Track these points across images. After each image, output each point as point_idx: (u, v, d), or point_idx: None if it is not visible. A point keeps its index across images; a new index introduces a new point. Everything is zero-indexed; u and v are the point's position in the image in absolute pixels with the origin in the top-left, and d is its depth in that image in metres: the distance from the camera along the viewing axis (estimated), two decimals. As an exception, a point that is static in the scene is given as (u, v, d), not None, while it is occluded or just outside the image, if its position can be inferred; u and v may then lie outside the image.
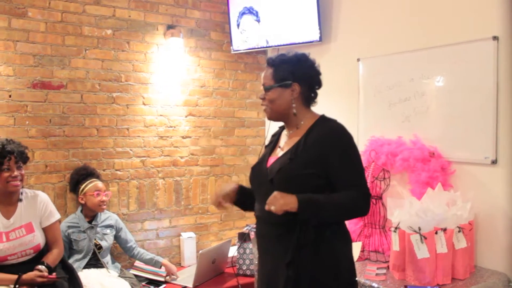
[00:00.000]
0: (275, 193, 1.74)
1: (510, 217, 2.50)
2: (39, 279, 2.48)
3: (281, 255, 1.82)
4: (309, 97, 1.95)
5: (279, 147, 2.00)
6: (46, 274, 2.51)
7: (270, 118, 1.99)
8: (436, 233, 2.33)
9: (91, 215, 3.19)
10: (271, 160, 1.95)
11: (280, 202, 1.71)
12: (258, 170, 2.00)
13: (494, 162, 2.56)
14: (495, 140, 2.55)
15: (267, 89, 1.92)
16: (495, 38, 2.54)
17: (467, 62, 2.68)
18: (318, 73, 1.95)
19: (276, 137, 2.10)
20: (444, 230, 2.35)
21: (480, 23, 2.62)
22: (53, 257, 2.66)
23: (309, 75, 1.92)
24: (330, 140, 1.81)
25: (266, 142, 2.21)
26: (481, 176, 2.63)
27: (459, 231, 2.39)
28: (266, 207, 1.73)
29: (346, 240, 1.92)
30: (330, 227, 1.82)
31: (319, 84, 1.96)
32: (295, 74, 1.89)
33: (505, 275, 2.47)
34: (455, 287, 2.32)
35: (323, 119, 1.92)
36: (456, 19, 2.75)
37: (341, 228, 1.90)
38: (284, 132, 2.03)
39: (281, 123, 2.06)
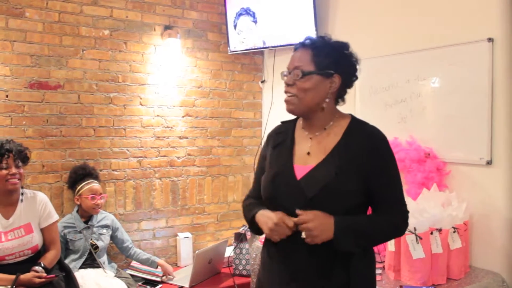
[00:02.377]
0: (310, 222, 1.47)
1: (505, 217, 2.52)
2: (37, 280, 2.48)
3: (320, 274, 1.55)
4: (342, 94, 1.66)
5: (308, 153, 1.64)
6: (43, 274, 2.51)
7: (293, 111, 1.64)
8: (431, 233, 2.34)
9: (87, 215, 3.19)
10: (300, 170, 1.60)
11: (314, 233, 1.46)
12: (284, 183, 1.60)
13: (489, 162, 2.58)
14: (490, 141, 2.57)
15: (305, 74, 1.57)
16: (490, 39, 2.56)
17: (462, 64, 2.70)
18: (357, 68, 1.66)
19: (285, 136, 1.73)
20: (439, 230, 2.36)
21: (476, 25, 2.64)
22: (50, 258, 2.66)
23: (353, 69, 1.63)
24: (373, 149, 1.55)
25: (266, 142, 1.82)
26: (476, 176, 2.65)
27: (454, 232, 2.41)
28: (305, 238, 1.48)
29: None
30: None
31: (355, 80, 1.67)
32: (340, 64, 1.59)
33: (500, 275, 2.49)
34: (450, 287, 2.33)
35: (357, 121, 1.65)
36: (452, 20, 2.77)
37: None
38: (302, 132, 1.70)
39: (282, 118, 1.79)
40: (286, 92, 1.62)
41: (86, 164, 3.33)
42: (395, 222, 1.60)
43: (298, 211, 1.50)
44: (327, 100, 1.60)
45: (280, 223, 1.52)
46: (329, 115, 1.64)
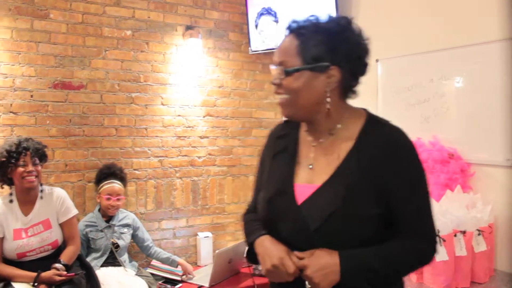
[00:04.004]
0: (308, 268, 1.17)
1: (531, 220, 2.46)
2: (57, 278, 2.51)
3: None
4: (349, 87, 1.28)
5: (310, 166, 1.30)
6: (64, 272, 2.55)
7: (289, 116, 1.31)
8: (455, 235, 2.30)
9: (108, 214, 3.22)
10: (302, 190, 1.27)
11: (315, 281, 1.17)
12: (282, 208, 1.28)
13: (515, 164, 2.52)
14: (517, 142, 2.51)
15: (288, 72, 1.23)
16: (516, 38, 2.50)
17: (486, 63, 2.64)
18: (367, 50, 1.27)
19: (288, 142, 1.39)
20: (464, 232, 2.31)
21: (498, 24, 2.58)
22: (69, 254, 2.70)
23: (357, 54, 1.24)
24: (391, 158, 1.20)
25: (266, 143, 1.51)
26: (501, 178, 2.59)
27: (478, 234, 2.36)
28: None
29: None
30: None
31: (366, 67, 1.28)
32: (336, 52, 1.21)
33: (526, 279, 2.43)
34: (474, 291, 2.29)
35: (373, 121, 1.28)
36: (476, 20, 2.71)
37: None
38: (305, 138, 1.36)
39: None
40: (275, 93, 1.29)
41: (114, 164, 3.36)
42: (419, 252, 1.24)
43: (296, 253, 1.21)
44: (328, 99, 1.24)
45: (279, 265, 1.20)
46: (336, 115, 1.28)
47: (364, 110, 1.33)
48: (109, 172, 3.28)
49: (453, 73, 2.82)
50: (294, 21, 1.27)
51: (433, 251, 1.26)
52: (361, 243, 1.19)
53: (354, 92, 1.31)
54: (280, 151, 1.38)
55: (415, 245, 1.22)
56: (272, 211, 1.30)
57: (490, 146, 2.63)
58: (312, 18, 1.27)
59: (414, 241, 1.22)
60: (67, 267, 2.61)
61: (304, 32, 1.23)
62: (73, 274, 2.59)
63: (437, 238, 1.35)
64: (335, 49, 1.21)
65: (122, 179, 3.31)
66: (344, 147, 1.25)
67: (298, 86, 1.23)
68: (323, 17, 1.27)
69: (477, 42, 2.69)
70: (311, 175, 1.28)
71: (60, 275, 2.52)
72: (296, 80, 1.22)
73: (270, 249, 1.24)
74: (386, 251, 1.20)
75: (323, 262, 1.17)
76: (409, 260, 1.24)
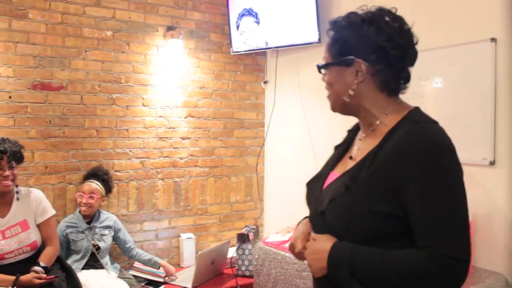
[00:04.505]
0: (308, 248, 1.26)
1: (507, 217, 2.51)
2: (37, 281, 2.49)
3: None
4: (389, 81, 1.27)
5: (351, 156, 1.34)
6: (43, 275, 2.52)
7: (332, 109, 1.37)
8: (434, 234, 2.33)
9: (89, 215, 3.19)
10: (332, 176, 1.34)
11: (308, 263, 1.24)
12: (312, 191, 1.39)
13: (492, 163, 2.57)
14: (493, 141, 2.56)
15: (320, 68, 1.35)
16: (493, 40, 2.55)
17: (465, 64, 2.69)
18: (399, 46, 1.26)
19: (351, 134, 1.46)
20: (442, 231, 2.35)
21: (478, 25, 2.63)
22: (48, 256, 2.67)
23: (381, 47, 1.24)
24: (411, 157, 1.13)
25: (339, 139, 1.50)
26: (479, 177, 2.64)
27: (457, 232, 2.39)
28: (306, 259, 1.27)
29: None
30: None
31: (402, 60, 1.28)
32: (357, 45, 1.26)
33: (503, 275, 2.48)
34: (453, 287, 2.32)
35: (411, 118, 1.23)
36: (455, 21, 2.76)
37: None
38: (360, 132, 1.39)
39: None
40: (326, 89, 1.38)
41: (101, 166, 3.36)
42: (418, 263, 1.10)
43: (312, 235, 1.28)
44: (350, 92, 1.27)
45: (291, 244, 1.34)
46: (376, 110, 1.28)
47: (412, 107, 1.31)
48: (92, 173, 3.28)
49: (432, 74, 2.87)
50: (331, 20, 1.34)
51: (440, 271, 1.08)
52: (370, 242, 1.15)
53: (401, 87, 1.31)
54: (340, 144, 1.46)
55: (415, 254, 1.11)
56: (307, 194, 1.41)
57: (468, 146, 2.68)
58: (346, 15, 1.32)
59: (419, 250, 1.11)
60: (47, 270, 2.58)
61: (333, 30, 1.31)
62: (53, 276, 2.57)
63: (461, 256, 1.11)
64: (356, 43, 1.25)
65: (104, 180, 3.29)
66: (374, 142, 1.25)
67: (330, 80, 1.31)
68: (361, 12, 1.30)
69: (456, 43, 2.73)
70: (347, 166, 1.31)
71: (39, 278, 2.49)
72: (329, 75, 1.31)
73: (296, 229, 1.38)
74: (383, 253, 1.13)
75: (317, 247, 1.21)
76: (400, 268, 1.11)
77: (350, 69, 1.26)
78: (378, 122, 1.28)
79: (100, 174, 3.27)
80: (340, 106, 1.33)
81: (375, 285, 1.12)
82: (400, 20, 1.30)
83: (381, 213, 1.15)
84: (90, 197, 3.15)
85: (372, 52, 1.24)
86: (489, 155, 2.58)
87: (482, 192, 2.61)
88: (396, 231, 1.15)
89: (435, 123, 1.24)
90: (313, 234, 1.28)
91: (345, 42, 1.28)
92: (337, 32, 1.30)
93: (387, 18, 1.28)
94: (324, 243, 1.20)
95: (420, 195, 1.11)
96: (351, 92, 1.27)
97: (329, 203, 1.23)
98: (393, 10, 1.32)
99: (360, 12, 1.30)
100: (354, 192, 1.19)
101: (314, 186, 1.38)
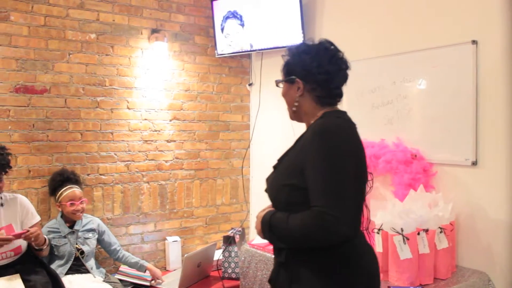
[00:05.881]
0: (260, 211, 1.66)
1: (490, 217, 2.55)
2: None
3: (271, 276, 1.73)
4: (322, 96, 1.65)
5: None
6: (4, 236, 2.46)
7: (290, 118, 1.77)
8: (418, 234, 2.36)
9: (71, 220, 3.15)
10: None
11: (255, 224, 1.66)
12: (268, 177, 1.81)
13: (474, 163, 2.61)
14: (475, 141, 2.60)
15: (277, 82, 1.77)
16: (474, 42, 2.59)
17: (447, 66, 2.73)
18: (326, 71, 1.62)
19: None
20: (426, 231, 2.38)
21: (460, 28, 2.68)
22: None
23: (311, 72, 1.62)
24: (311, 142, 1.52)
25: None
26: (462, 177, 2.68)
27: (440, 232, 2.43)
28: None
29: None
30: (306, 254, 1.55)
31: (329, 82, 1.64)
32: (297, 67, 1.66)
33: (486, 274, 2.52)
34: (437, 287, 2.35)
35: (320, 118, 1.62)
36: (437, 23, 2.80)
37: (328, 259, 1.53)
38: None
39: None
40: None
41: (65, 169, 3.28)
42: (304, 219, 1.45)
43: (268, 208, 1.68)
44: (295, 103, 1.68)
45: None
46: (311, 117, 1.66)
47: (329, 111, 1.65)
48: (63, 179, 3.19)
49: (415, 75, 2.90)
50: (286, 48, 1.74)
51: (314, 223, 1.42)
52: (288, 209, 1.54)
53: (333, 99, 1.68)
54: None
55: (305, 213, 1.45)
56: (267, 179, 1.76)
57: (451, 147, 2.72)
58: (297, 44, 1.73)
59: (309, 210, 1.45)
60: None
61: (289, 53, 1.71)
62: (20, 233, 2.51)
63: (336, 213, 1.41)
64: (296, 65, 1.66)
65: (78, 182, 3.25)
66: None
67: (283, 93, 1.74)
68: (308, 42, 1.71)
69: (438, 45, 2.77)
70: None
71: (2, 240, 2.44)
72: (283, 89, 1.74)
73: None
74: (289, 215, 1.51)
75: (259, 215, 1.64)
76: (295, 224, 1.48)
77: (293, 86, 1.68)
78: (311, 123, 1.64)
79: (72, 177, 3.22)
80: (292, 113, 1.74)
81: (284, 237, 1.55)
82: (333, 51, 1.66)
83: (291, 186, 1.55)
84: (81, 202, 3.14)
85: (306, 75, 1.64)
86: (471, 155, 2.62)
87: (465, 192, 2.66)
88: (306, 199, 1.47)
89: (337, 117, 1.62)
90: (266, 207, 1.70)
91: (290, 65, 1.69)
92: (287, 56, 1.72)
93: (322, 49, 1.65)
94: (261, 213, 1.64)
95: (312, 169, 1.48)
96: (296, 103, 1.68)
97: (266, 181, 1.71)
98: (332, 43, 1.68)
99: (308, 42, 1.70)
100: (277, 171, 1.68)
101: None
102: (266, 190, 1.70)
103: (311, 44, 1.68)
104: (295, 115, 1.73)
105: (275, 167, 1.73)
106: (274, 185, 1.64)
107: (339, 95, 1.69)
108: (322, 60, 1.62)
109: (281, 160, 1.71)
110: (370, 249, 1.68)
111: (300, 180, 1.51)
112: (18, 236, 2.50)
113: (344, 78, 1.69)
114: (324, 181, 1.44)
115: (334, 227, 1.40)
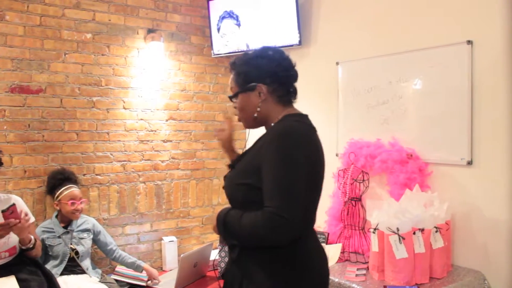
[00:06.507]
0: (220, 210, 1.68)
1: (485, 216, 2.56)
2: None
3: (228, 268, 1.80)
4: (283, 95, 1.69)
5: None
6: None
7: (248, 127, 1.79)
8: (414, 233, 2.37)
9: (67, 220, 3.14)
10: None
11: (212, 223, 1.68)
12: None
13: (469, 163, 2.62)
14: (471, 141, 2.61)
15: (231, 97, 1.74)
16: (469, 42, 2.61)
17: (443, 66, 2.74)
18: (285, 68, 1.68)
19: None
20: (422, 230, 2.39)
21: (455, 28, 2.69)
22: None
23: (273, 72, 1.66)
24: (269, 144, 1.53)
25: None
26: (457, 177, 2.69)
27: (436, 231, 2.44)
28: None
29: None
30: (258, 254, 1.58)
31: (289, 79, 1.70)
32: (257, 73, 1.66)
33: (481, 273, 2.53)
34: (433, 286, 2.36)
35: (280, 120, 1.65)
36: (432, 23, 2.81)
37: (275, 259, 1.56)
38: None
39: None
40: (235, 114, 1.79)
41: (65, 168, 3.29)
42: (254, 219, 1.47)
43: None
44: (258, 109, 1.67)
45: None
46: (273, 119, 1.68)
47: (290, 114, 1.67)
48: (63, 178, 3.20)
49: (411, 75, 2.91)
50: (230, 61, 1.74)
51: (269, 226, 1.43)
52: (243, 207, 1.56)
53: (292, 97, 1.71)
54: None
55: (257, 213, 1.47)
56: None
57: (446, 146, 2.73)
58: (242, 55, 1.72)
59: (261, 210, 1.46)
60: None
61: (236, 66, 1.71)
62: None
63: (285, 214, 1.43)
64: (256, 71, 1.66)
65: (76, 182, 3.26)
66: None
67: (241, 105, 1.71)
68: (250, 52, 1.72)
69: (434, 45, 2.78)
70: None
71: None
72: (240, 101, 1.71)
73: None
74: (243, 214, 1.53)
75: (214, 214, 1.67)
76: (246, 223, 1.50)
77: (254, 93, 1.66)
78: (272, 125, 1.65)
79: (72, 177, 3.23)
80: (252, 122, 1.72)
81: (237, 235, 1.57)
82: (280, 52, 1.71)
83: (247, 185, 1.57)
84: (81, 202, 3.14)
85: (268, 77, 1.65)
86: (466, 155, 2.63)
87: (460, 192, 2.67)
88: (262, 199, 1.48)
89: (297, 121, 1.62)
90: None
91: (247, 73, 1.67)
92: (239, 67, 1.70)
93: (270, 52, 1.68)
94: (218, 211, 1.65)
95: (267, 170, 1.49)
96: (258, 109, 1.67)
97: (224, 179, 1.74)
98: (272, 48, 1.72)
99: (250, 52, 1.72)
100: (234, 171, 1.70)
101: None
102: (224, 188, 1.73)
103: (256, 50, 1.72)
104: (255, 122, 1.73)
105: (232, 166, 1.77)
106: (232, 184, 1.67)
107: (296, 92, 1.73)
108: (278, 59, 1.68)
109: (239, 159, 1.73)
110: (319, 248, 1.69)
111: (256, 180, 1.52)
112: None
113: (296, 75, 1.72)
114: (277, 183, 1.46)
115: (282, 228, 1.43)
